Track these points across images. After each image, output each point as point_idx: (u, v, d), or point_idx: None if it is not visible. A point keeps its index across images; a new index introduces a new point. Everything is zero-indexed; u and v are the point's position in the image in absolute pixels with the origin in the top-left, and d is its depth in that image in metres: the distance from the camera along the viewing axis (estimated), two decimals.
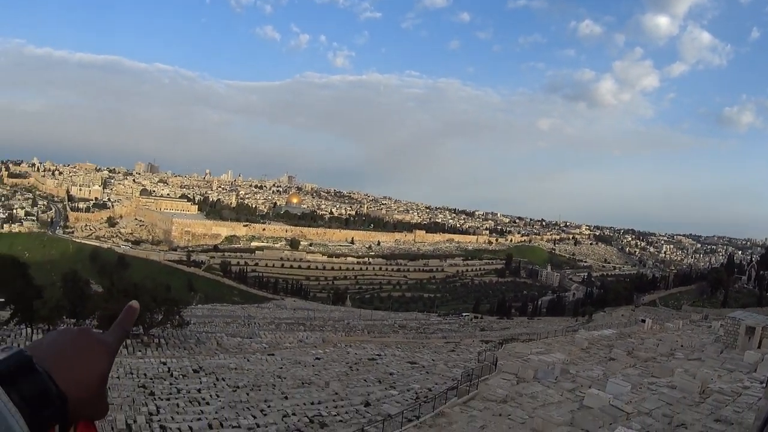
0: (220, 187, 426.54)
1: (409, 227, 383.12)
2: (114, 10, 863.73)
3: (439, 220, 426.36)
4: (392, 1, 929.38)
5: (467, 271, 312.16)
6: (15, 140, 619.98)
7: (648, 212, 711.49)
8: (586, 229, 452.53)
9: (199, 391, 43.21)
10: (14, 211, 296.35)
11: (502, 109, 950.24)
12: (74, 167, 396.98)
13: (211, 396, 41.72)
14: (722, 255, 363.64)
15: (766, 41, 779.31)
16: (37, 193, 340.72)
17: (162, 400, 39.43)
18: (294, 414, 37.12)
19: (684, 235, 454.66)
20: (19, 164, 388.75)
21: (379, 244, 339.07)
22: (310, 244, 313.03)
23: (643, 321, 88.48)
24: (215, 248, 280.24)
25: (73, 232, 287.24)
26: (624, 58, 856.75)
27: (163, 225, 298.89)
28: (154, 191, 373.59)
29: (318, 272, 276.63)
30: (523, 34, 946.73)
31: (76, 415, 1.45)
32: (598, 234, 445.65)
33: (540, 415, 27.59)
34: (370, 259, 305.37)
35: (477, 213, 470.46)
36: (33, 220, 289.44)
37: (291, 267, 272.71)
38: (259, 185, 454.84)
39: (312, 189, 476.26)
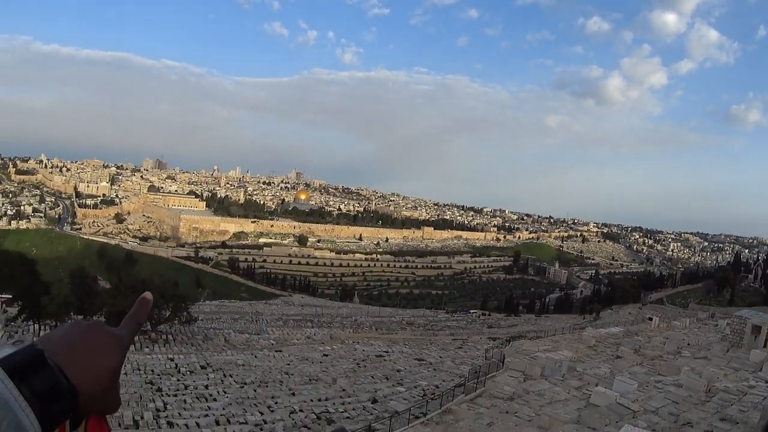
0: (228, 183, 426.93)
1: (417, 224, 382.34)
2: (121, 6, 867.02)
3: (447, 217, 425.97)
4: None
5: (475, 268, 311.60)
6: (23, 137, 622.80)
7: (655, 210, 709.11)
8: (593, 226, 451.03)
9: (206, 387, 43.39)
10: (22, 207, 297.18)
11: (511, 106, 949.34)
12: (82, 164, 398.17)
13: (218, 392, 41.88)
14: (729, 253, 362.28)
15: None
16: (45, 189, 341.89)
17: (169, 396, 39.63)
18: (301, 410, 37.28)
19: (691, 233, 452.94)
20: (26, 161, 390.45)
21: (387, 240, 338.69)
22: (318, 241, 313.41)
23: (650, 319, 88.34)
24: (223, 244, 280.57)
25: (80, 229, 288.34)
26: (632, 55, 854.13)
27: (170, 221, 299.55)
28: (161, 188, 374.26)
29: (326, 269, 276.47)
30: (531, 31, 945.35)
31: (87, 409, 1.43)
32: (605, 231, 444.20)
33: (547, 412, 27.71)
34: (378, 256, 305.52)
35: (485, 210, 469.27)
36: (41, 217, 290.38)
37: (299, 263, 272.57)
38: (267, 181, 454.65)
39: (320, 185, 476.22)
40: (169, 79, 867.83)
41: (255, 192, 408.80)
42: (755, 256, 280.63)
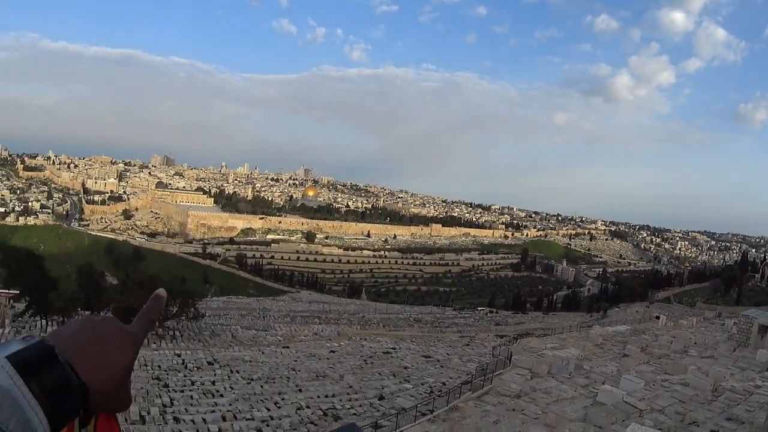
0: (236, 179, 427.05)
1: (426, 221, 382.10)
2: (129, 4, 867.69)
3: (456, 214, 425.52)
4: None
5: (483, 265, 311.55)
6: (30, 134, 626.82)
7: (663, 208, 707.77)
8: (601, 224, 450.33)
9: (213, 383, 43.41)
10: (30, 204, 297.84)
11: (519, 103, 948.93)
12: (90, 160, 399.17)
13: (225, 388, 41.92)
14: (736, 252, 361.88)
15: None
16: (53, 186, 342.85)
17: (176, 392, 39.66)
18: (308, 407, 37.34)
19: (698, 232, 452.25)
20: (34, 157, 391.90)
21: (395, 237, 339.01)
22: (326, 237, 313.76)
23: (658, 318, 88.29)
24: (231, 241, 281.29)
25: (88, 225, 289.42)
26: (640, 53, 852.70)
27: (178, 217, 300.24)
28: (169, 184, 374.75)
29: (334, 265, 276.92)
30: (540, 28, 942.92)
31: (97, 407, 1.40)
32: (613, 229, 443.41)
33: (553, 410, 27.76)
34: (386, 253, 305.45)
35: (493, 207, 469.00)
36: (48, 213, 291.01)
37: (307, 260, 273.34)
38: (275, 178, 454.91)
39: (328, 182, 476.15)
40: (177, 76, 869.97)
41: (263, 188, 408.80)
42: (762, 255, 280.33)
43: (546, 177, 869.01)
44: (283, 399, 39.17)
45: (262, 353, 57.69)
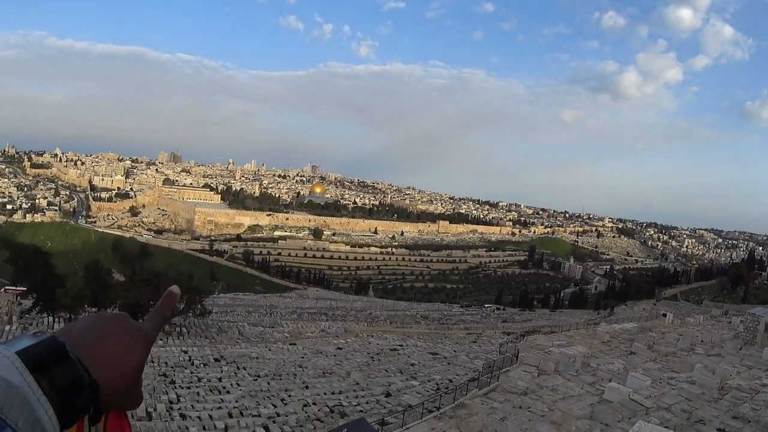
0: (243, 176, 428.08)
1: (433, 218, 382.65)
2: (136, 1, 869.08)
3: (463, 211, 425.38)
4: None
5: (490, 262, 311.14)
6: (37, 131, 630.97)
7: (670, 206, 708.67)
8: (608, 221, 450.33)
9: (219, 380, 43.54)
10: (37, 200, 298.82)
11: (526, 100, 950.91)
12: (96, 157, 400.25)
13: (231, 385, 42.06)
14: (743, 250, 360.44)
15: None
16: (60, 183, 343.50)
17: (182, 388, 39.74)
18: (314, 403, 37.40)
19: (706, 230, 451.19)
20: (41, 155, 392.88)
21: (402, 234, 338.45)
22: (334, 234, 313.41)
23: (664, 315, 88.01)
24: (238, 237, 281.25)
25: (95, 222, 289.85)
26: (647, 50, 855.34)
27: (185, 214, 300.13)
28: (176, 181, 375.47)
29: (341, 262, 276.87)
30: (547, 25, 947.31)
31: (108, 405, 1.39)
32: (620, 227, 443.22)
33: (560, 408, 27.77)
34: (393, 249, 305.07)
35: (501, 204, 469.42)
36: (55, 210, 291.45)
37: (314, 257, 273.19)
38: (282, 175, 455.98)
39: (335, 179, 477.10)
40: (184, 73, 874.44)
41: (270, 185, 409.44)
42: None
43: (553, 174, 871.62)
44: (289, 396, 39.27)
45: (269, 350, 57.78)
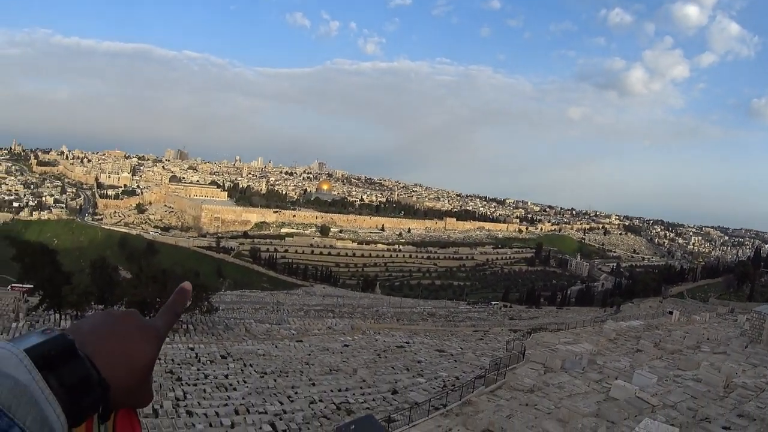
0: (250, 173, 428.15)
1: (440, 215, 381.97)
2: None
3: (470, 208, 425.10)
4: None
5: (497, 259, 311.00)
6: (44, 129, 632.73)
7: (677, 203, 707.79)
8: (615, 218, 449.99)
9: (226, 377, 43.69)
10: (43, 198, 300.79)
11: (533, 97, 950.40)
12: (103, 155, 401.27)
13: (238, 382, 42.21)
14: (749, 248, 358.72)
15: None
16: (66, 180, 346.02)
17: (189, 385, 39.94)
18: (321, 400, 37.55)
19: (712, 227, 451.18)
20: (48, 152, 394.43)
21: (409, 231, 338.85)
22: (341, 231, 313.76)
23: (671, 313, 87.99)
24: (245, 235, 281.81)
25: (101, 219, 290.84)
26: (654, 47, 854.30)
27: (192, 211, 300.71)
28: (183, 178, 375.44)
29: (348, 259, 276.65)
30: (554, 22, 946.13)
31: (118, 403, 1.37)
32: (627, 224, 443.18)
33: (566, 405, 27.88)
34: (400, 247, 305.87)
35: (507, 201, 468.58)
36: (62, 207, 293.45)
37: (321, 254, 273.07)
38: (289, 172, 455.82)
39: (342, 176, 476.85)
40: (190, 70, 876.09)
41: (277, 182, 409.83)
42: None
43: (560, 171, 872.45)
44: (296, 393, 39.37)
45: (276, 347, 57.87)
